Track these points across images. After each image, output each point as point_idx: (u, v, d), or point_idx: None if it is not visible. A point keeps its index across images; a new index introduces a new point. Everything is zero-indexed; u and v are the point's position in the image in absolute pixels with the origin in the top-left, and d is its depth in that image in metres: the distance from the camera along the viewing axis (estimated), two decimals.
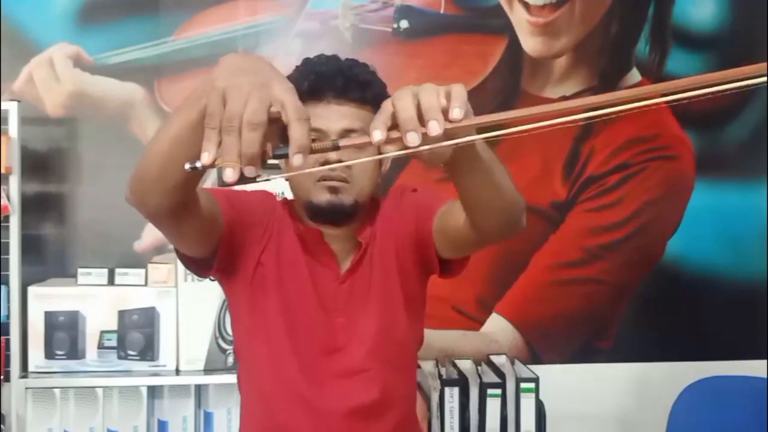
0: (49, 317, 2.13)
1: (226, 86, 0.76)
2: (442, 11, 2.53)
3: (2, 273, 2.12)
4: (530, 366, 2.34)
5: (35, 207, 2.33)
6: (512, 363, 2.34)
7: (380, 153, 0.76)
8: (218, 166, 0.74)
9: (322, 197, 1.24)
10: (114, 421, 2.17)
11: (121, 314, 2.15)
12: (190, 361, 2.16)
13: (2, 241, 2.09)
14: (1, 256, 2.11)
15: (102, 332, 2.15)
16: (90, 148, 2.40)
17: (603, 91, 0.80)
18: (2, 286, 2.16)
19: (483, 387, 2.18)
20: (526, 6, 2.54)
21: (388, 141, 0.75)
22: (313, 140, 0.76)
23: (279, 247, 1.29)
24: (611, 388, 2.60)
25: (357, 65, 1.28)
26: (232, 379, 2.12)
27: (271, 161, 0.77)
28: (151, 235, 2.37)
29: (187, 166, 0.76)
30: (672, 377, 2.45)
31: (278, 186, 1.75)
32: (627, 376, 2.62)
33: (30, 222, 2.27)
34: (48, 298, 2.14)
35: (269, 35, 2.46)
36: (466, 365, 2.33)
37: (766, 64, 0.64)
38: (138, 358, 2.15)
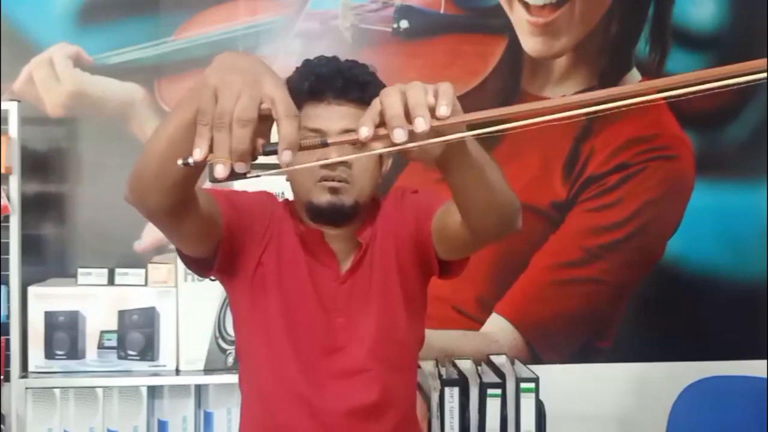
0: (49, 317, 2.13)
1: (217, 83, 0.77)
2: (442, 11, 2.53)
3: (2, 273, 2.12)
4: (530, 366, 2.34)
5: (35, 207, 2.33)
6: (512, 363, 2.34)
7: (369, 150, 0.77)
8: (209, 162, 0.75)
9: (323, 198, 1.24)
10: (114, 421, 2.17)
11: (121, 314, 2.15)
12: (190, 361, 2.16)
13: (2, 241, 2.09)
14: (1, 256, 2.11)
15: (102, 332, 2.15)
16: (90, 148, 2.40)
17: None
18: (2, 286, 2.16)
19: (483, 387, 2.18)
20: (526, 6, 2.54)
21: (376, 138, 0.76)
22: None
23: (279, 247, 1.30)
24: (611, 388, 2.60)
25: (357, 66, 1.28)
26: (232, 379, 2.13)
27: (272, 160, 0.78)
28: (151, 235, 2.37)
29: (180, 162, 0.77)
30: (672, 377, 2.45)
31: (278, 186, 1.75)
32: (627, 376, 2.62)
33: (30, 222, 2.27)
34: (48, 298, 2.14)
35: (269, 35, 2.46)
36: (466, 365, 2.33)
37: (766, 59, 0.63)
38: (138, 358, 2.15)
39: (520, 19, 2.55)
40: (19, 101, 2.15)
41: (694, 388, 2.35)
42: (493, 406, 2.17)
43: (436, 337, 2.44)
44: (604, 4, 2.59)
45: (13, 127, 2.11)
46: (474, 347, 2.51)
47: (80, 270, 2.18)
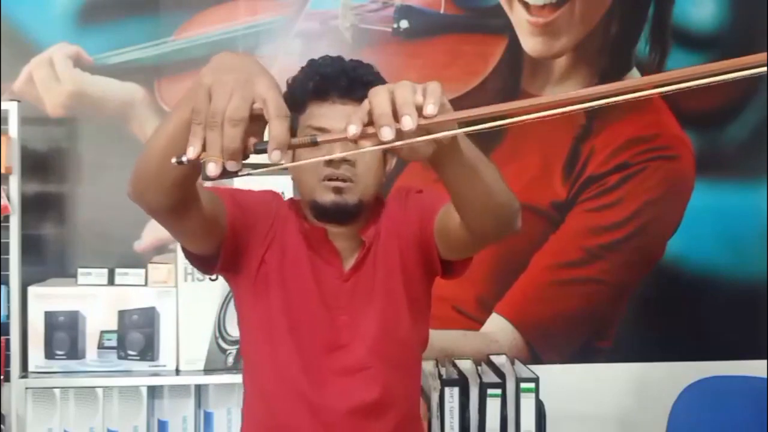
0: (49, 317, 2.13)
1: (212, 83, 0.79)
2: (442, 11, 2.53)
3: (2, 273, 2.12)
4: (530, 366, 2.34)
5: (35, 207, 2.33)
6: (512, 363, 2.34)
7: (358, 148, 0.78)
8: (202, 161, 0.76)
9: (327, 197, 1.25)
10: (114, 421, 2.17)
11: (121, 314, 2.15)
12: (190, 361, 2.16)
13: (2, 241, 2.09)
14: (1, 256, 2.11)
15: (102, 332, 2.15)
16: (90, 148, 2.40)
17: None
18: (2, 286, 2.16)
19: (483, 387, 2.18)
20: (526, 6, 2.54)
21: (365, 136, 0.77)
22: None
23: (283, 246, 1.30)
24: (611, 388, 2.60)
25: (361, 66, 1.29)
26: (232, 379, 2.13)
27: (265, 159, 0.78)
28: (151, 235, 2.37)
29: (174, 160, 0.78)
30: (672, 377, 2.45)
31: (278, 185, 1.75)
32: (627, 376, 2.62)
33: (30, 222, 2.27)
34: (48, 298, 2.14)
35: (269, 35, 2.46)
36: (466, 365, 2.33)
37: (766, 54, 0.63)
38: (138, 358, 2.15)
39: (520, 19, 2.55)
40: (19, 101, 2.15)
41: (694, 388, 2.35)
42: (493, 406, 2.17)
43: (436, 337, 2.41)
44: (604, 4, 2.59)
45: (13, 127, 2.11)
46: (474, 347, 2.51)
47: (80, 270, 2.18)
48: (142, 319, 2.15)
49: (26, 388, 2.11)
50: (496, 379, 2.22)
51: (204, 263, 1.29)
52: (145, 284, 2.17)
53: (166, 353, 2.16)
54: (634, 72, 2.61)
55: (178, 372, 2.16)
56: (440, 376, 2.24)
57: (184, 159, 0.77)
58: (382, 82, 1.28)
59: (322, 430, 1.29)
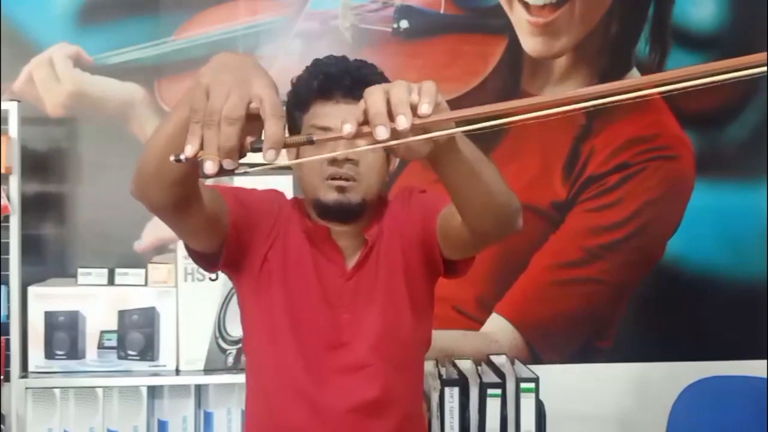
0: (49, 317, 2.13)
1: (209, 82, 0.80)
2: (442, 11, 2.53)
3: (2, 273, 2.12)
4: (530, 366, 2.34)
5: (35, 207, 2.33)
6: (512, 363, 2.34)
7: (353, 147, 0.79)
8: (199, 159, 0.77)
9: (330, 196, 1.26)
10: (114, 421, 2.17)
11: (121, 314, 2.15)
12: (190, 361, 2.16)
13: (2, 241, 2.09)
14: (1, 256, 2.11)
15: (102, 332, 2.15)
16: (90, 148, 2.40)
17: None
18: (2, 286, 2.16)
19: (483, 387, 2.18)
20: (526, 6, 2.54)
21: (360, 135, 0.78)
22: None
23: (286, 244, 1.31)
24: (611, 388, 2.60)
25: (365, 66, 1.30)
26: (232, 379, 2.13)
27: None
28: (151, 235, 2.37)
29: (172, 158, 0.79)
30: (672, 377, 2.45)
31: (278, 184, 1.75)
32: (627, 376, 2.62)
33: (30, 222, 2.27)
34: (48, 298, 2.14)
35: (269, 35, 2.46)
36: (466, 365, 2.33)
37: (766, 54, 0.64)
38: (138, 358, 2.15)
39: (520, 19, 2.55)
40: (19, 101, 2.15)
41: (694, 388, 2.35)
42: (493, 406, 2.17)
43: (436, 337, 2.40)
44: (604, 4, 2.59)
45: (13, 127, 2.11)
46: (474, 347, 2.51)
47: (80, 270, 2.18)
48: (142, 319, 2.15)
49: (26, 388, 2.11)
50: (496, 379, 2.22)
51: (206, 261, 1.29)
52: (145, 284, 2.17)
53: (166, 353, 2.16)
54: (634, 72, 2.61)
55: (178, 372, 2.16)
56: (440, 376, 2.24)
57: (182, 157, 0.78)
58: (386, 81, 1.28)
59: (323, 429, 1.29)
